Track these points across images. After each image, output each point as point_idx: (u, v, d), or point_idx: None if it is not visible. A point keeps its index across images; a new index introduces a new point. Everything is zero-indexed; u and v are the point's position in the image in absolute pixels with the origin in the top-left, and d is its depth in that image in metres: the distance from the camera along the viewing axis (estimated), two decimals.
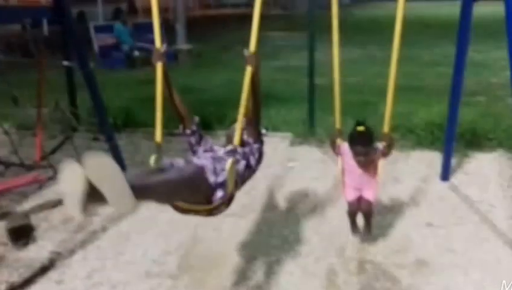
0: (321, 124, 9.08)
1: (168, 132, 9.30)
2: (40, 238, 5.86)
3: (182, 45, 18.67)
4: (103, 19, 24.55)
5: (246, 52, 4.29)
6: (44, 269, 5.29)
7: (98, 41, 18.03)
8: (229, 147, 4.33)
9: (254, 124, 4.52)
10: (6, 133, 7.81)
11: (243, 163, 4.27)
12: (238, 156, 4.21)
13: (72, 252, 5.61)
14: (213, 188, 3.91)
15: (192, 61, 17.33)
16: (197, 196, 3.91)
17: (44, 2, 21.01)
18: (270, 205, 6.64)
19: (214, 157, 4.20)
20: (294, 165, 7.95)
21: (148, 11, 25.70)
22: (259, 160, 4.55)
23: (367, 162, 5.04)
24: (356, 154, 5.00)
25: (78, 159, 3.07)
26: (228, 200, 4.08)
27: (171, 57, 17.10)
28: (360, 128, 4.98)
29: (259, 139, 4.60)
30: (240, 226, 6.07)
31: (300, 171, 7.72)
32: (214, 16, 38.33)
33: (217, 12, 42.00)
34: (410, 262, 5.29)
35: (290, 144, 8.86)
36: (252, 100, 4.31)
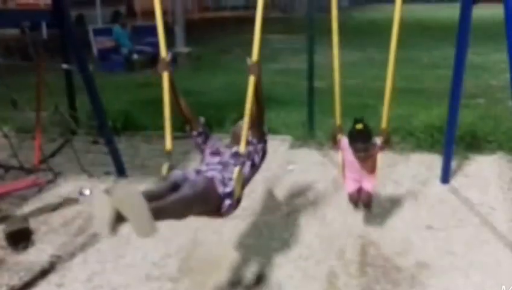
0: (321, 127, 9.08)
1: None
2: (40, 241, 5.86)
3: (181, 48, 18.68)
4: (102, 22, 24.54)
5: (248, 61, 4.49)
6: (44, 272, 5.27)
7: (97, 44, 18.03)
8: (234, 149, 4.58)
9: (258, 126, 4.74)
10: (5, 136, 7.83)
11: (248, 164, 4.59)
12: (243, 159, 4.45)
13: (72, 255, 5.60)
14: (222, 198, 4.20)
15: (191, 64, 17.32)
16: (207, 207, 4.18)
17: (43, 6, 21.02)
18: (270, 208, 6.63)
19: (221, 162, 4.49)
20: (294, 168, 7.95)
21: (146, 14, 25.86)
22: (262, 158, 4.85)
23: (366, 157, 5.36)
24: (356, 150, 5.32)
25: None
26: (236, 203, 4.36)
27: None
28: (359, 126, 5.25)
29: (262, 139, 4.86)
30: (240, 229, 6.07)
31: (300, 174, 7.71)
32: (213, 18, 38.32)
33: (216, 15, 42.01)
34: (410, 265, 5.29)
35: (289, 146, 8.85)
36: (255, 105, 4.55)
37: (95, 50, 17.88)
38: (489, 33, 14.39)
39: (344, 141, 5.45)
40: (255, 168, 4.74)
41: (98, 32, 18.43)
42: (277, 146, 8.65)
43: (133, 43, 18.15)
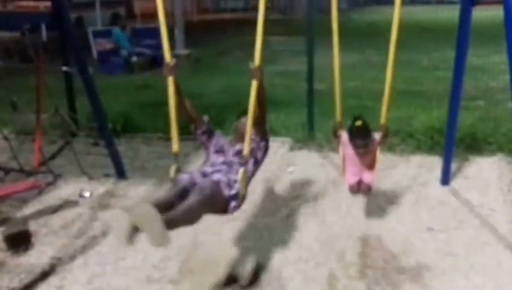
0: (320, 129, 9.07)
1: (167, 137, 9.36)
2: (41, 243, 5.85)
3: (181, 50, 18.68)
4: (101, 24, 24.53)
5: (251, 65, 4.66)
6: (44, 275, 5.27)
7: (97, 46, 18.00)
8: (238, 147, 4.86)
9: (260, 125, 4.99)
10: (5, 138, 7.82)
11: (251, 161, 4.84)
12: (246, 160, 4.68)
13: (72, 257, 5.59)
14: (228, 201, 4.49)
15: (190, 66, 17.31)
16: (214, 209, 4.47)
17: (42, 8, 21.02)
18: (270, 210, 6.62)
19: (225, 162, 4.78)
20: (293, 169, 7.94)
21: (146, 16, 25.82)
22: (264, 153, 5.13)
23: (366, 153, 5.65)
24: (355, 147, 5.61)
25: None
26: (241, 202, 4.61)
27: None
28: (358, 123, 5.53)
29: (265, 137, 5.11)
30: (240, 231, 6.07)
31: (300, 175, 7.70)
32: (212, 20, 38.29)
33: (215, 17, 41.97)
34: (410, 267, 5.28)
35: (289, 148, 8.84)
36: (258, 106, 4.73)
37: (94, 52, 17.86)
38: (489, 35, 14.40)
39: (344, 136, 5.71)
40: (257, 164, 5.02)
41: (97, 35, 18.40)
42: (277, 148, 8.64)
43: (133, 45, 18.15)
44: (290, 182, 7.47)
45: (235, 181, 4.52)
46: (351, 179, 5.85)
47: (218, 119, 9.18)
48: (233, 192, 4.49)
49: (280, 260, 5.45)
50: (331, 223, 6.24)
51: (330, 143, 8.66)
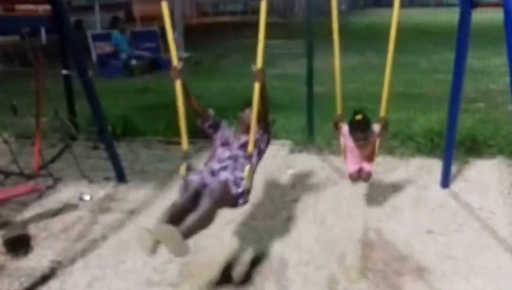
0: (320, 132, 9.08)
1: (167, 140, 9.37)
2: (41, 247, 5.85)
3: (180, 53, 18.65)
4: (101, 27, 24.54)
5: (253, 68, 4.95)
6: (45, 278, 5.27)
7: (96, 49, 18.00)
8: (243, 140, 5.20)
9: (263, 119, 5.24)
10: (5, 142, 7.83)
11: (255, 152, 5.16)
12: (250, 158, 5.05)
13: (72, 260, 5.59)
14: (236, 199, 4.87)
15: (189, 69, 17.31)
16: (224, 206, 4.83)
17: (42, 12, 21.01)
18: (270, 213, 6.62)
19: (231, 156, 5.12)
20: (293, 172, 7.94)
21: (145, 19, 25.83)
22: (267, 143, 5.46)
23: (365, 145, 5.95)
24: (356, 139, 5.93)
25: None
26: (247, 196, 4.99)
27: (169, 65, 17.09)
28: (358, 117, 5.83)
29: (267, 129, 5.40)
30: (240, 234, 6.07)
31: (300, 178, 7.70)
32: (211, 23, 38.31)
33: (214, 20, 41.99)
34: (411, 269, 5.28)
35: (289, 151, 8.85)
36: (261, 103, 5.06)
37: (94, 55, 17.87)
38: (489, 37, 14.39)
39: (345, 128, 6.02)
40: (261, 154, 5.37)
41: (97, 38, 18.41)
42: (277, 151, 8.65)
43: (132, 49, 18.16)
44: (290, 185, 7.47)
45: (242, 179, 4.89)
46: (352, 167, 6.16)
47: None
48: (240, 190, 4.87)
49: (280, 263, 5.45)
50: (331, 226, 6.24)
51: (330, 146, 8.68)
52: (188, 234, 4.34)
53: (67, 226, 6.36)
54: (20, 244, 5.75)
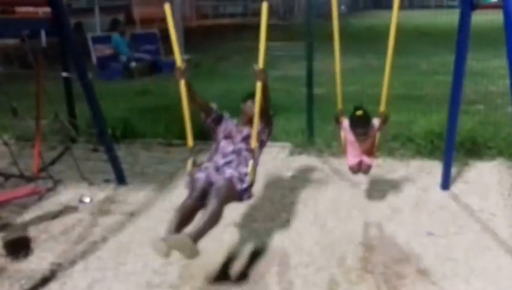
0: (320, 134, 9.08)
1: (166, 142, 9.36)
2: (41, 249, 5.85)
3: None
4: (101, 29, 24.56)
5: (255, 67, 5.09)
6: (45, 280, 5.26)
7: (96, 52, 18.02)
8: (245, 132, 5.45)
9: (265, 113, 5.36)
10: (5, 144, 7.83)
11: (257, 145, 5.31)
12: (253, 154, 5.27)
13: (72, 263, 5.58)
14: (240, 194, 5.11)
15: (190, 71, 17.31)
16: (230, 202, 5.06)
17: (42, 14, 21.02)
18: (270, 215, 6.61)
19: (234, 150, 5.35)
20: (293, 174, 7.93)
21: (145, 21, 25.82)
22: (268, 135, 5.70)
23: (366, 139, 6.10)
24: (356, 134, 6.08)
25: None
26: (251, 190, 5.24)
27: (168, 68, 17.12)
28: (359, 112, 5.97)
29: (269, 121, 5.62)
30: (240, 236, 6.06)
31: (300, 180, 7.70)
32: (211, 26, 38.32)
33: (214, 23, 42.01)
34: (411, 271, 5.27)
35: (289, 153, 8.84)
36: (263, 99, 5.18)
37: (94, 58, 17.88)
38: (489, 39, 14.39)
39: (346, 122, 6.18)
40: (262, 146, 5.62)
41: (96, 40, 18.43)
42: (277, 153, 8.65)
43: (132, 51, 18.17)
44: (290, 187, 7.46)
45: (246, 174, 5.12)
46: (352, 160, 6.30)
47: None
48: (245, 185, 5.10)
49: (280, 265, 5.45)
50: (331, 228, 6.24)
51: (330, 148, 8.68)
52: (199, 236, 4.62)
53: (67, 228, 6.36)
54: (20, 247, 5.75)
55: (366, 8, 55.92)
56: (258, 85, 5.15)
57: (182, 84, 5.36)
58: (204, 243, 5.70)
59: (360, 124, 6.02)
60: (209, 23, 41.52)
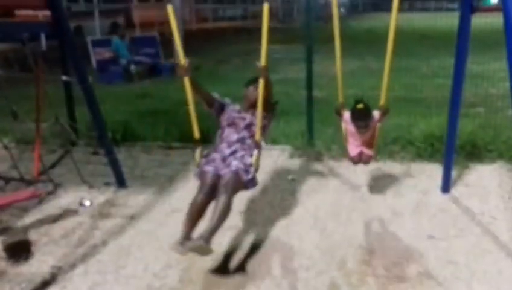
0: (320, 137, 9.08)
1: (166, 145, 9.36)
2: (41, 252, 5.84)
3: None
4: (100, 33, 24.57)
5: (258, 64, 5.36)
6: (45, 284, 5.26)
7: (96, 55, 18.01)
8: (248, 120, 5.67)
9: (267, 102, 5.60)
10: (5, 147, 7.83)
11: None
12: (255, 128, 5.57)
13: (73, 266, 5.58)
14: (246, 184, 5.38)
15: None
16: (238, 192, 5.33)
17: (41, 17, 21.03)
18: (270, 218, 6.61)
19: (239, 139, 5.59)
20: (293, 177, 7.93)
21: (145, 25, 25.85)
22: (270, 120, 5.91)
23: (366, 131, 6.24)
24: (358, 127, 6.22)
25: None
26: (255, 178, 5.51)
27: (168, 71, 17.14)
28: (360, 105, 6.11)
29: (271, 110, 5.83)
30: (240, 240, 6.06)
31: (300, 183, 7.70)
32: (211, 29, 38.35)
33: (214, 26, 42.02)
34: (411, 275, 5.27)
35: (289, 156, 8.83)
36: (265, 92, 5.41)
37: (93, 61, 17.87)
38: (489, 42, 14.39)
39: (347, 114, 6.31)
40: (265, 129, 5.80)
41: (96, 44, 18.41)
42: (276, 156, 8.64)
43: (132, 54, 18.18)
44: (289, 190, 7.45)
45: (250, 165, 5.40)
46: (353, 151, 6.43)
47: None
48: (249, 176, 5.36)
49: (281, 269, 5.45)
50: (331, 231, 6.23)
51: (330, 151, 8.67)
52: (212, 234, 4.94)
53: (67, 231, 6.36)
54: (20, 250, 5.74)
55: (365, 11, 55.74)
56: (261, 81, 5.35)
57: (186, 81, 5.64)
58: None
59: (361, 117, 6.16)
60: (208, 26, 41.53)
